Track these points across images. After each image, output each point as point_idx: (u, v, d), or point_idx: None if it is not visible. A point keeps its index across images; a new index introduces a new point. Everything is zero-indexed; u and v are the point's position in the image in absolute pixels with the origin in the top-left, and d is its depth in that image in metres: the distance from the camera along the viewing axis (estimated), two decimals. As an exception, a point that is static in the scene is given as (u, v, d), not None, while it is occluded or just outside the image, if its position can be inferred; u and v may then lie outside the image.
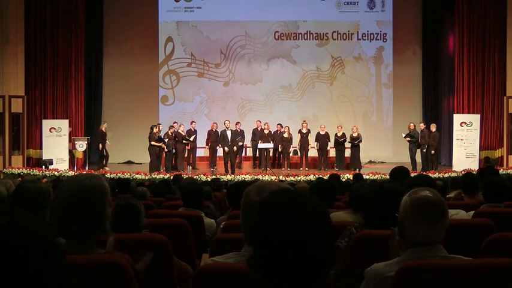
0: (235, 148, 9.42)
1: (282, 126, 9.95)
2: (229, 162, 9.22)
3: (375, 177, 7.48)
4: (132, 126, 11.08)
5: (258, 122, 10.20)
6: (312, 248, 0.71)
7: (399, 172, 2.87)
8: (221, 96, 11.90)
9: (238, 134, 9.81)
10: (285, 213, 0.72)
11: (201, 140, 10.25)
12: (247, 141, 10.35)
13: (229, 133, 9.32)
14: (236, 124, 9.98)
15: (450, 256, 1.34)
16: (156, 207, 3.23)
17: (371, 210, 1.77)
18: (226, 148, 8.95)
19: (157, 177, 8.04)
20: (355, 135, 9.55)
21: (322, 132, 9.73)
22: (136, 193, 3.73)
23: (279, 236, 0.71)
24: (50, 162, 9.25)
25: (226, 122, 9.55)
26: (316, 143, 9.69)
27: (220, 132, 9.29)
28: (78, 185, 1.27)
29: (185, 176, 7.51)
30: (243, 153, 10.84)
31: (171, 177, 7.54)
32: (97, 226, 1.28)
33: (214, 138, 9.66)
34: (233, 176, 8.13)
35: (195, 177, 7.72)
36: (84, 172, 8.42)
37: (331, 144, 9.87)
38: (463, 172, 7.59)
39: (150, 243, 1.82)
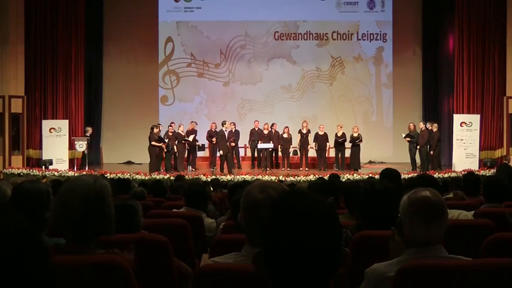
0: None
1: (273, 125, 9.93)
2: (225, 163, 9.23)
3: (375, 177, 7.44)
4: (132, 126, 11.08)
5: (256, 122, 10.21)
6: (321, 249, 0.72)
7: (390, 173, 2.83)
8: (221, 96, 11.89)
9: (233, 135, 9.80)
10: (297, 213, 0.74)
11: (201, 141, 10.25)
12: (246, 141, 10.35)
13: (226, 133, 9.34)
14: (231, 124, 9.95)
15: (450, 256, 1.34)
16: (156, 208, 3.24)
17: (365, 212, 1.76)
18: (221, 152, 8.94)
19: (157, 177, 8.03)
20: (355, 135, 9.55)
21: (320, 133, 9.72)
22: (134, 193, 3.72)
23: (290, 235, 0.72)
24: (50, 162, 9.25)
25: (231, 123, 9.60)
26: (314, 143, 9.68)
27: (219, 132, 9.27)
28: (92, 188, 1.28)
29: (187, 177, 7.54)
30: (243, 153, 10.86)
31: (171, 178, 7.58)
32: (106, 227, 1.29)
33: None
34: (233, 176, 8.12)
35: (195, 177, 7.74)
36: (84, 173, 8.42)
37: (330, 144, 9.86)
38: (463, 172, 7.60)
39: (150, 243, 1.82)
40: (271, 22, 11.89)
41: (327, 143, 9.75)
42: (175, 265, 1.87)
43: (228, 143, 9.40)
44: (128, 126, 11.08)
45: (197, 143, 9.59)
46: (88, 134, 9.70)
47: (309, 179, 7.63)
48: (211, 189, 4.85)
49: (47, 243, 1.38)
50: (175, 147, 9.36)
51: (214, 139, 9.51)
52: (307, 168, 9.65)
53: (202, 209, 2.86)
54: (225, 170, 9.10)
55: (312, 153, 10.01)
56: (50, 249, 1.26)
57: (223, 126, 9.10)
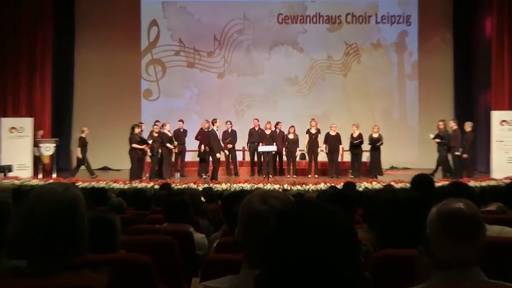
0: (226, 152, 9.50)
1: (277, 124, 9.93)
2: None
3: (399, 185, 7.45)
4: (109, 125, 11.08)
5: (256, 120, 10.22)
6: (336, 267, 0.73)
7: (422, 181, 2.82)
8: (215, 90, 11.91)
9: (229, 135, 9.80)
10: (310, 225, 0.75)
11: (192, 142, 10.25)
12: (244, 143, 10.35)
13: (219, 134, 9.34)
14: (226, 123, 9.97)
15: (490, 281, 1.33)
16: (137, 222, 3.28)
17: (386, 225, 1.76)
18: (218, 155, 8.95)
19: (139, 186, 8.04)
20: (375, 135, 9.55)
21: (332, 133, 9.72)
22: (111, 205, 3.77)
23: (300, 251, 0.73)
24: (9, 168, 9.22)
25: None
26: (325, 145, 9.69)
27: (210, 132, 9.26)
28: (62, 198, 1.26)
29: (174, 185, 7.51)
30: (241, 158, 10.85)
31: (155, 187, 7.57)
32: (78, 245, 1.28)
33: (207, 140, 9.65)
34: (229, 184, 8.12)
35: (184, 186, 7.73)
36: (51, 181, 8.40)
37: (344, 146, 9.85)
38: (504, 180, 7.57)
39: (129, 264, 1.81)
40: (274, 3, 11.92)
41: (340, 146, 9.75)
42: (159, 291, 1.86)
43: (222, 145, 9.39)
44: (104, 126, 11.08)
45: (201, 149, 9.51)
46: (84, 135, 9.63)
47: (319, 188, 7.62)
48: (203, 200, 4.84)
49: (19, 266, 1.36)
50: (160, 150, 9.36)
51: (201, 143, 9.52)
52: (316, 175, 9.64)
53: (188, 223, 2.87)
54: (223, 175, 9.12)
55: (322, 157, 10.00)
56: (5, 273, 1.25)
57: (213, 125, 9.12)
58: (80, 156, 9.48)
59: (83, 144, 9.55)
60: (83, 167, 9.66)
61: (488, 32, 10.72)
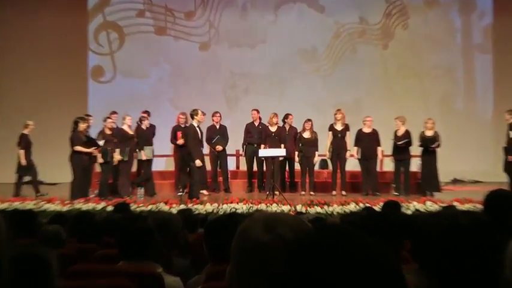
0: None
1: (286, 117, 9.98)
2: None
3: (465, 206, 7.43)
4: (42, 120, 11.04)
5: (255, 111, 10.23)
6: None
7: (500, 200, 2.82)
8: (196, 67, 11.96)
9: (217, 133, 9.80)
10: (333, 263, 0.78)
11: (161, 146, 10.21)
12: (238, 145, 10.39)
13: (201, 132, 9.38)
14: (214, 116, 9.99)
15: None
16: (82, 260, 3.39)
17: (444, 265, 1.73)
18: (198, 162, 8.96)
19: (85, 207, 8.07)
20: (429, 134, 9.59)
21: (366, 130, 9.76)
22: (44, 235, 3.86)
23: None
24: None
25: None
26: (356, 148, 9.71)
27: (189, 128, 9.29)
28: None
29: (136, 206, 7.47)
30: (234, 166, 10.84)
31: (107, 208, 7.55)
32: None
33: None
34: (217, 205, 8.14)
35: (151, 207, 7.72)
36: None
37: (384, 150, 9.85)
38: None
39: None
40: None
41: (378, 148, 9.77)
42: None
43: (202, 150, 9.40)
44: (33, 121, 11.06)
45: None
46: (27, 132, 9.51)
47: (347, 210, 7.63)
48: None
49: None
50: (115, 154, 9.34)
51: (182, 140, 9.48)
52: (344, 192, 9.69)
53: (156, 261, 2.91)
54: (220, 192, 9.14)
55: (352, 165, 9.98)
56: None
57: (193, 118, 9.17)
58: (24, 161, 9.48)
59: (27, 144, 9.54)
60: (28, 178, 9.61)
61: None
